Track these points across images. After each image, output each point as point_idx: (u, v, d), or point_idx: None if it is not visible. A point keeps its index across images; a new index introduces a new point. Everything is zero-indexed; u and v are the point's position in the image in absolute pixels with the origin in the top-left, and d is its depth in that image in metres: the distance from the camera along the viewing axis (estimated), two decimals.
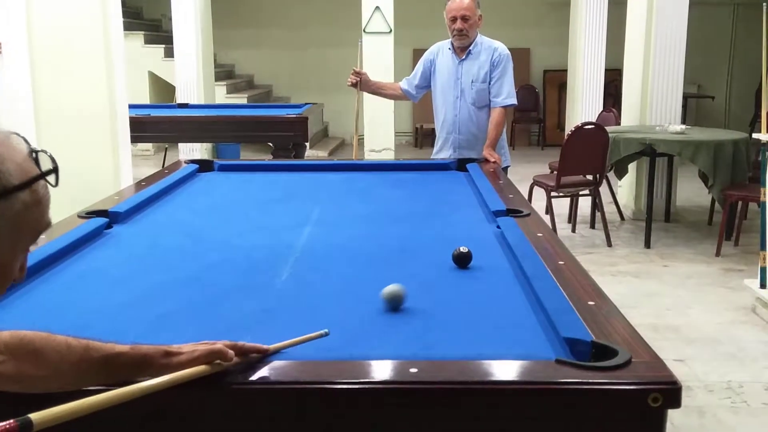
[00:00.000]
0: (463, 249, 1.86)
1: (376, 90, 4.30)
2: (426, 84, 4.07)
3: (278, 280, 1.79)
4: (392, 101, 6.61)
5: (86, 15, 4.22)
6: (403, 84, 4.17)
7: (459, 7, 3.80)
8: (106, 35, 4.10)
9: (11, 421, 0.79)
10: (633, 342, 1.29)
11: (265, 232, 2.29)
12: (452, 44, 3.93)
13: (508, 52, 3.90)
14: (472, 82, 3.88)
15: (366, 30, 6.92)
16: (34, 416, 0.82)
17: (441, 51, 4.01)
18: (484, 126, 3.88)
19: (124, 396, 1.01)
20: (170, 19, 8.08)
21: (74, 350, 1.10)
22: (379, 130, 7.28)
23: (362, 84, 4.10)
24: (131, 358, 1.12)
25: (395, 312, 1.54)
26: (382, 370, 1.20)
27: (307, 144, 6.58)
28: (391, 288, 1.55)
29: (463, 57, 3.90)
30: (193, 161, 3.51)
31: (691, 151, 5.23)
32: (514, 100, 3.90)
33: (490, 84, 3.86)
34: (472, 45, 3.88)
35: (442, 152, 4.00)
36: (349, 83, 4.09)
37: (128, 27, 7.45)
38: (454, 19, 3.81)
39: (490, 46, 3.89)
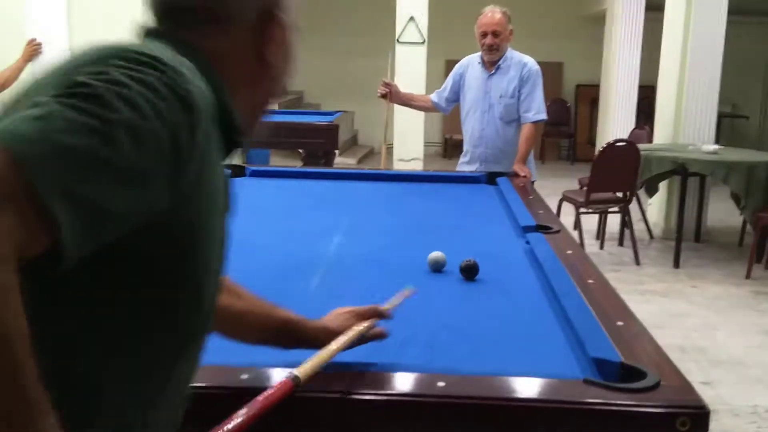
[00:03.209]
0: (470, 261, 1.90)
1: (407, 101, 4.33)
2: (456, 97, 4.09)
3: (309, 287, 1.81)
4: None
5: (126, 18, 4.30)
6: (434, 96, 4.19)
7: (490, 22, 3.80)
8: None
9: (284, 379, 0.87)
10: (661, 364, 1.28)
11: (296, 240, 2.31)
12: (482, 58, 3.94)
13: (538, 68, 3.90)
14: (501, 96, 3.87)
15: (399, 40, 6.94)
16: (297, 371, 0.91)
17: (470, 64, 4.03)
18: (511, 141, 3.87)
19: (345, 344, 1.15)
20: None
21: (264, 304, 1.25)
22: (409, 140, 7.28)
23: (392, 95, 4.13)
24: (301, 327, 1.25)
25: (438, 272, 1.94)
26: (409, 382, 1.21)
27: (337, 152, 6.61)
28: (434, 256, 1.95)
29: (493, 71, 3.90)
30: (225, 166, 3.54)
31: (724, 171, 5.18)
32: (544, 116, 3.89)
33: (519, 99, 3.86)
34: (502, 59, 3.88)
35: (469, 166, 4.00)
36: (379, 94, 4.12)
37: None
38: (484, 34, 3.82)
39: (520, 61, 3.89)
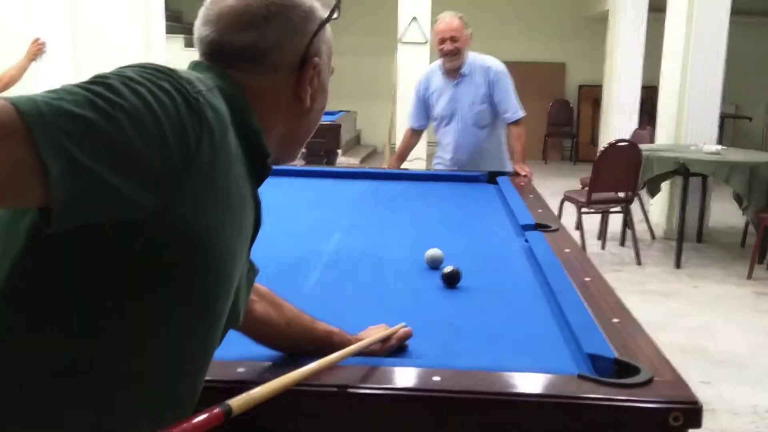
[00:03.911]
0: (452, 268, 1.82)
1: (406, 152, 4.27)
2: (430, 111, 4.05)
3: (306, 285, 1.82)
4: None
5: (129, 18, 4.32)
6: (413, 124, 4.15)
7: (447, 29, 3.72)
8: (148, 38, 4.19)
9: (216, 409, 0.83)
10: (656, 361, 1.29)
11: (294, 237, 2.32)
12: (442, 67, 3.88)
13: (503, 67, 3.85)
14: (471, 104, 3.83)
15: (402, 40, 6.96)
16: (232, 402, 0.87)
17: (432, 76, 3.97)
18: (486, 144, 3.88)
19: (304, 375, 1.08)
20: None
21: (304, 317, 1.29)
22: None
23: (397, 162, 4.18)
24: (341, 339, 1.28)
25: (435, 269, 1.91)
26: (404, 377, 1.22)
27: (339, 151, 6.62)
28: (431, 252, 1.95)
29: (458, 80, 3.84)
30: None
31: (726, 172, 5.18)
32: (522, 112, 3.85)
33: (493, 104, 3.82)
34: (464, 66, 3.81)
35: (447, 169, 3.96)
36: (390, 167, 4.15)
37: (169, 30, 7.56)
38: (442, 41, 3.74)
39: (483, 65, 3.83)
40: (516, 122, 3.84)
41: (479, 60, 3.86)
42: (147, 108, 0.75)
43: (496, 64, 3.85)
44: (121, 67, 0.82)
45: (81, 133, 0.70)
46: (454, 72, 3.84)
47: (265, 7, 0.99)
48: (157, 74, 0.81)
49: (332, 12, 1.06)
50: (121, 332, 0.82)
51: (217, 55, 1.00)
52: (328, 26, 1.07)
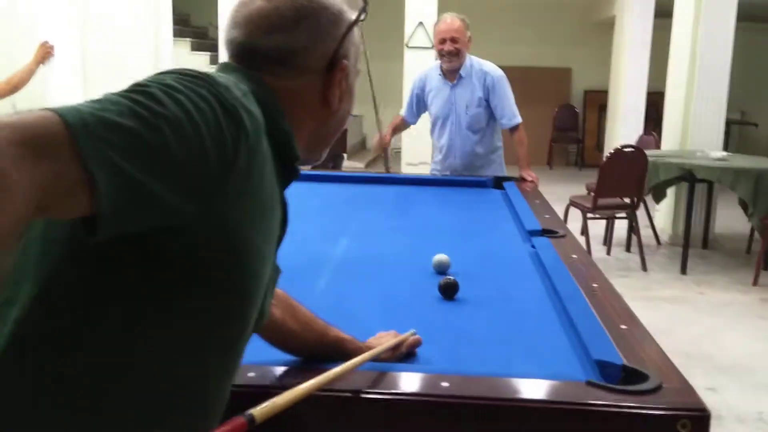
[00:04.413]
0: (449, 279, 1.79)
1: (396, 133, 4.33)
2: (423, 110, 4.09)
3: (315, 288, 1.83)
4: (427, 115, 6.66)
5: (137, 21, 4.33)
6: (406, 116, 4.20)
7: (448, 29, 3.74)
8: (157, 41, 4.21)
9: (239, 419, 0.83)
10: (663, 367, 1.29)
11: (302, 242, 2.33)
12: (441, 68, 3.90)
13: (501, 73, 3.86)
14: (467, 107, 3.85)
15: (408, 45, 6.97)
16: (255, 411, 0.87)
17: (429, 77, 3.99)
18: (477, 149, 3.89)
19: (323, 382, 1.07)
20: (217, 27, 8.21)
21: (318, 323, 1.30)
22: (417, 144, 7.31)
23: (387, 138, 4.19)
24: (353, 346, 1.29)
25: (442, 274, 1.88)
26: (413, 382, 1.23)
27: (345, 155, 6.63)
28: (439, 258, 1.95)
29: (455, 82, 3.86)
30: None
31: (731, 178, 5.18)
32: (518, 119, 3.86)
33: (490, 108, 3.84)
34: (463, 68, 3.83)
35: (441, 174, 3.98)
36: (378, 152, 4.18)
37: (176, 33, 7.56)
38: (443, 41, 3.76)
39: (481, 69, 3.84)
40: (515, 128, 3.85)
41: (478, 64, 3.88)
42: (187, 116, 0.76)
43: (494, 70, 3.86)
44: (159, 74, 0.83)
45: (126, 143, 0.70)
46: (452, 73, 3.86)
47: (294, 9, 0.99)
48: (195, 81, 0.81)
49: (360, 14, 1.06)
50: (157, 337, 0.83)
51: (246, 57, 1.00)
52: (356, 28, 1.06)
